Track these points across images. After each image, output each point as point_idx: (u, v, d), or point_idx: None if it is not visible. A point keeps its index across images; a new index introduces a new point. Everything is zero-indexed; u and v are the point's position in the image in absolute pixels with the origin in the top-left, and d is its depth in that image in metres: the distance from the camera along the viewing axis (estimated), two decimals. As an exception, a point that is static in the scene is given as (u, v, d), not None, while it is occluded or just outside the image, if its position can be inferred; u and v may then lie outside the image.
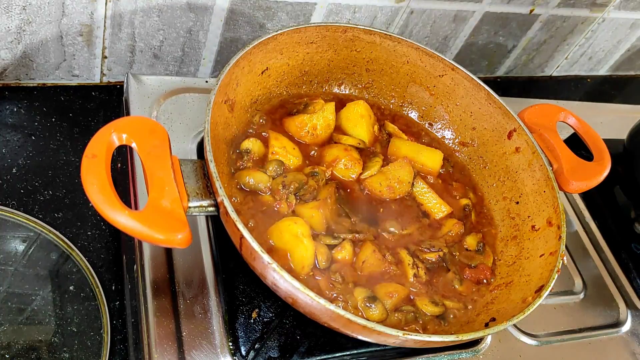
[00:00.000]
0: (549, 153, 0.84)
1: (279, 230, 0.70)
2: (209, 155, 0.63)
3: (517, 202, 0.86)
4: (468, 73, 0.88)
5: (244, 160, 0.76)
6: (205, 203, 0.65)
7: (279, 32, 0.77)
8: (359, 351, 0.77)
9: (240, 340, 0.72)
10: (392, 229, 0.79)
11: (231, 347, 0.71)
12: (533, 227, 0.82)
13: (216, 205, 0.65)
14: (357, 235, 0.75)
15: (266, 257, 0.59)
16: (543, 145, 0.85)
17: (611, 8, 1.24)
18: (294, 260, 0.69)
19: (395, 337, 0.60)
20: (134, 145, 0.62)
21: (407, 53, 0.88)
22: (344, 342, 0.76)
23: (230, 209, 0.60)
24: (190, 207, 0.63)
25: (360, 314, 0.69)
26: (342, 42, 0.86)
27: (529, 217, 0.83)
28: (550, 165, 0.83)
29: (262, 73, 0.81)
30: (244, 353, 0.71)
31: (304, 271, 0.69)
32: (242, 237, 0.60)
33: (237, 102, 0.78)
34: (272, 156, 0.77)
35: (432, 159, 0.87)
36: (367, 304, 0.69)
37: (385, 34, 0.86)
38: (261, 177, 0.74)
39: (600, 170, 0.85)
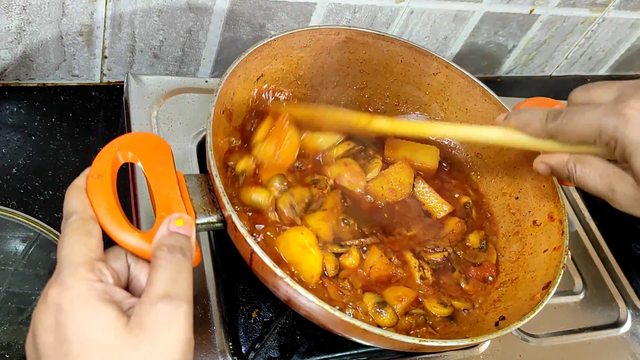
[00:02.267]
0: (547, 147, 0.84)
1: (286, 241, 0.69)
2: (214, 170, 0.61)
3: (517, 198, 0.85)
4: (462, 70, 0.87)
5: (240, 181, 0.74)
6: (212, 219, 0.63)
7: (273, 37, 0.77)
8: (359, 351, 0.77)
9: (241, 340, 0.72)
10: (396, 232, 0.79)
11: (231, 347, 0.71)
12: (534, 222, 0.81)
13: (224, 221, 0.63)
14: (363, 240, 0.75)
15: (279, 272, 0.57)
16: (541, 140, 0.84)
17: (611, 8, 1.24)
18: (303, 271, 0.68)
19: (411, 344, 0.59)
20: (139, 164, 0.60)
21: (401, 52, 0.88)
22: (344, 342, 0.76)
23: (239, 224, 0.58)
24: (198, 225, 0.61)
25: (370, 319, 0.69)
26: (335, 44, 0.85)
27: (529, 212, 0.83)
28: (549, 159, 0.83)
29: (257, 80, 0.80)
30: (244, 353, 0.71)
31: (313, 280, 0.69)
32: (252, 252, 0.58)
33: (235, 111, 0.77)
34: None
35: (429, 156, 0.87)
36: (377, 310, 0.69)
37: (378, 34, 0.86)
38: (264, 199, 0.72)
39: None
